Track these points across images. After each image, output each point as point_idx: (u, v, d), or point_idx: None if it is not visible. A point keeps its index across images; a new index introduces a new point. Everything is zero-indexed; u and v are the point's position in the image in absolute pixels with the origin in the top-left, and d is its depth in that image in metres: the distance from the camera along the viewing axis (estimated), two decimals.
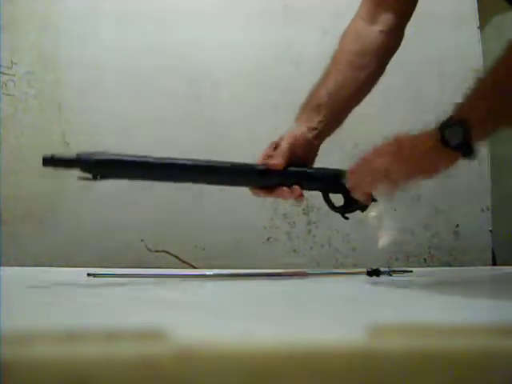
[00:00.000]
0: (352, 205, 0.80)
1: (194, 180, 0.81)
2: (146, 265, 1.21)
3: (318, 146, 0.84)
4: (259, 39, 1.32)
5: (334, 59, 0.86)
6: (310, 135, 0.82)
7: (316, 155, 0.85)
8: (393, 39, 0.87)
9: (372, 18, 0.87)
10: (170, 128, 1.30)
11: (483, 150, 1.30)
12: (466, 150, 0.68)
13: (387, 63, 0.88)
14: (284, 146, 0.80)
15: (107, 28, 1.31)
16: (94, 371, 0.30)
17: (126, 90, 1.30)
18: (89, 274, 0.80)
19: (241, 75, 1.31)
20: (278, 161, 0.79)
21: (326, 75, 0.85)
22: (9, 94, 1.28)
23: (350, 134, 1.28)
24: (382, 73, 0.88)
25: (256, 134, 1.25)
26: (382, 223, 0.74)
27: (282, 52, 1.33)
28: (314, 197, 1.31)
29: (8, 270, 0.92)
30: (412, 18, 0.88)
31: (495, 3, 0.86)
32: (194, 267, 1.25)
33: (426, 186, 1.29)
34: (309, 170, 0.82)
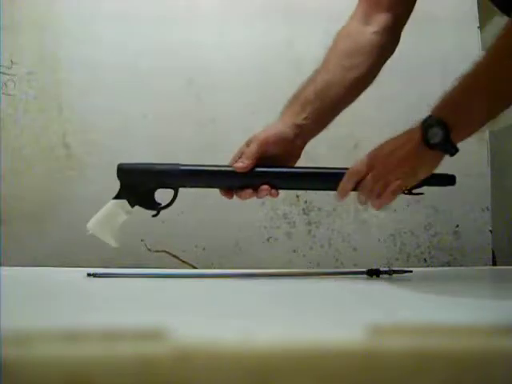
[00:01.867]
0: None
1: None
2: (146, 265, 1.21)
3: (302, 145, 0.81)
4: (259, 39, 1.32)
5: (325, 58, 0.84)
6: (292, 133, 0.79)
7: (299, 154, 0.82)
8: (386, 41, 0.85)
9: (366, 19, 0.85)
10: (170, 128, 1.30)
11: (483, 150, 1.30)
12: (448, 149, 0.70)
13: (380, 66, 0.86)
14: (253, 147, 0.78)
15: (107, 28, 1.31)
16: (93, 371, 0.30)
17: (126, 90, 1.30)
18: (89, 274, 0.80)
19: (241, 75, 1.31)
20: (243, 164, 0.77)
21: (316, 74, 0.83)
22: (9, 94, 1.28)
23: (351, 134, 1.28)
24: (374, 75, 0.85)
25: None
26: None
27: (282, 52, 1.33)
28: (314, 197, 1.31)
29: (8, 270, 0.92)
30: (412, 21, 0.87)
31: None
32: (194, 267, 1.25)
33: (426, 186, 1.29)
34: (281, 170, 0.79)
